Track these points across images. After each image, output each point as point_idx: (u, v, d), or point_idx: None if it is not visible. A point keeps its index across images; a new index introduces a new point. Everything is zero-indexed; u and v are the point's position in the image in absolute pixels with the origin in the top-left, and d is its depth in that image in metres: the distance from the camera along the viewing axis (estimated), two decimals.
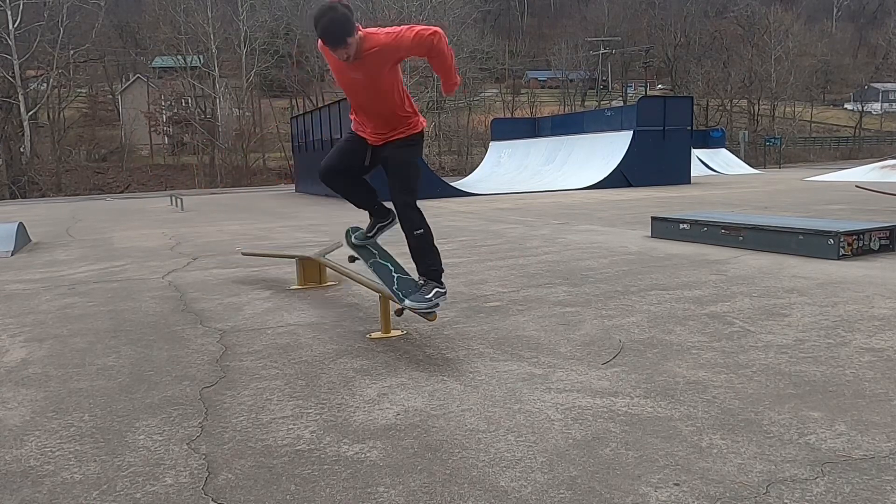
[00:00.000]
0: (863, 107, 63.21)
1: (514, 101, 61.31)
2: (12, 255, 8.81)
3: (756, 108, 57.14)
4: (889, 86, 68.14)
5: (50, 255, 8.76)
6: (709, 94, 56.30)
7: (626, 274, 5.70)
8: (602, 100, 62.27)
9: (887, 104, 69.49)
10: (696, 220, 7.51)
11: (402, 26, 3.46)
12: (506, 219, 11.52)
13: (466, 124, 52.24)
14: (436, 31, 3.39)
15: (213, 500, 2.11)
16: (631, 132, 20.90)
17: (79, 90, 51.49)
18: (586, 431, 2.51)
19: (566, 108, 57.63)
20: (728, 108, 57.26)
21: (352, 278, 4.65)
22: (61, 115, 47.17)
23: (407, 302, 3.57)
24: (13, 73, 41.86)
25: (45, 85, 45.57)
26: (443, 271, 3.74)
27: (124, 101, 52.44)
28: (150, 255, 8.28)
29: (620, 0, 69.13)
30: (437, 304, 3.61)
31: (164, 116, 49.48)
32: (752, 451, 2.30)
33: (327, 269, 5.53)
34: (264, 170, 47.33)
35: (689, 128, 22.01)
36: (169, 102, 49.32)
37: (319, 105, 33.43)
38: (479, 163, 31.06)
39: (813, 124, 64.63)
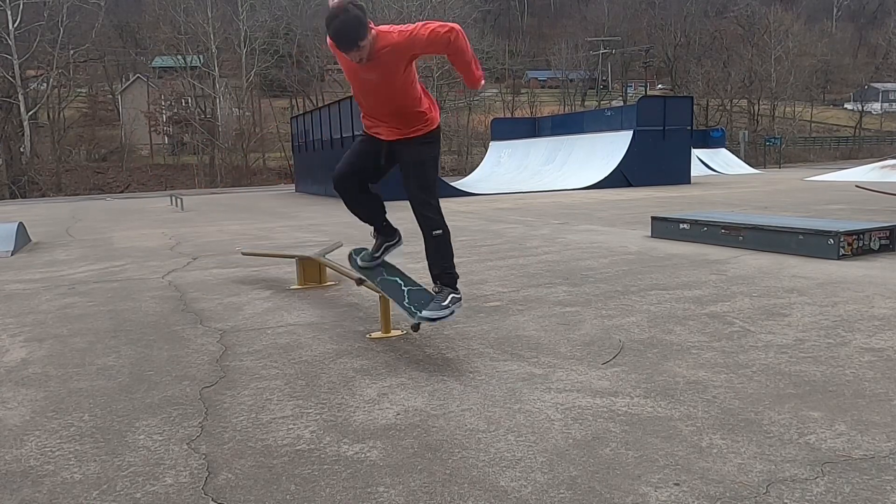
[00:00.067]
0: (863, 107, 63.24)
1: (514, 101, 61.33)
2: (12, 254, 8.81)
3: (756, 107, 57.16)
4: (889, 86, 68.18)
5: (50, 255, 8.76)
6: (709, 94, 56.29)
7: (626, 274, 5.70)
8: (602, 100, 62.27)
9: (887, 104, 69.54)
10: (696, 220, 7.51)
11: (416, 24, 3.34)
12: (506, 219, 11.52)
13: (466, 124, 52.25)
14: (452, 28, 3.28)
15: (213, 499, 2.11)
16: (631, 132, 20.91)
17: (79, 90, 51.54)
18: (586, 431, 2.51)
19: (566, 108, 57.66)
20: (728, 107, 57.26)
21: (352, 278, 4.65)
22: (61, 114, 47.22)
23: (423, 313, 3.41)
24: (13, 72, 41.90)
25: (45, 85, 45.60)
26: (458, 276, 3.60)
27: (124, 100, 52.47)
28: (150, 255, 8.28)
29: (620, 0, 69.17)
30: (454, 312, 3.46)
31: (164, 116, 49.52)
32: (752, 450, 2.30)
33: (327, 268, 5.53)
34: (264, 170, 47.36)
35: (689, 128, 22.01)
36: (169, 102, 49.37)
37: (319, 105, 33.47)
38: (479, 163, 31.06)
39: (813, 124, 64.66)
